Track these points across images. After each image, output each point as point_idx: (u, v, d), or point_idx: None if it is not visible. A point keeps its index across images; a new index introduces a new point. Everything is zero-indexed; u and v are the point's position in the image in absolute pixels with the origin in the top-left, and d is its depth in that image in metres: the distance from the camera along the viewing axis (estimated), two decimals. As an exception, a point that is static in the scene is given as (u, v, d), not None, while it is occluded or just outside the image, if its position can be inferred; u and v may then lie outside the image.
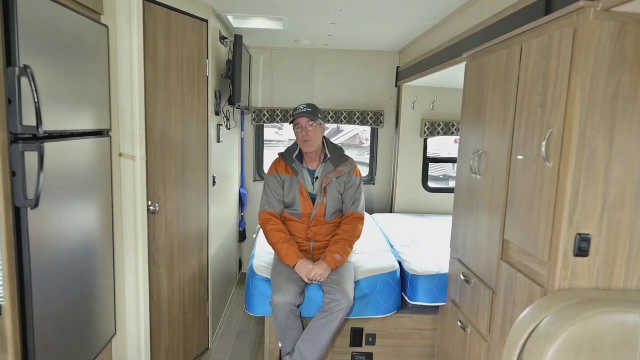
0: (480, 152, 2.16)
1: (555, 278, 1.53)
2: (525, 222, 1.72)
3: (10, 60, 1.42)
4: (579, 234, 1.50)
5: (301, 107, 2.81)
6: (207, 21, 2.97)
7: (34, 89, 1.43)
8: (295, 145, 2.92)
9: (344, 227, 2.85)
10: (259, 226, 3.07)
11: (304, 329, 2.66)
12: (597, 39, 1.43)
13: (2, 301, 1.47)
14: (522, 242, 1.75)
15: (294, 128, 2.82)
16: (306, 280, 2.68)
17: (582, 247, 1.49)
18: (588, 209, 1.49)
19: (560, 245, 1.51)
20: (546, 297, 1.51)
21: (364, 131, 8.68)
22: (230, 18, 3.40)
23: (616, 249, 1.51)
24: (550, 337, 1.32)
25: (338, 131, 9.04)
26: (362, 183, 2.96)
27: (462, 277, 2.35)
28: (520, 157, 1.77)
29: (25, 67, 1.42)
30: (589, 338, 1.31)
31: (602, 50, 1.43)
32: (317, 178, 2.87)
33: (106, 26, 2.07)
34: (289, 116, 2.90)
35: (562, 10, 1.53)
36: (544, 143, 1.57)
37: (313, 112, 2.77)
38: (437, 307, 2.85)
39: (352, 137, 9.97)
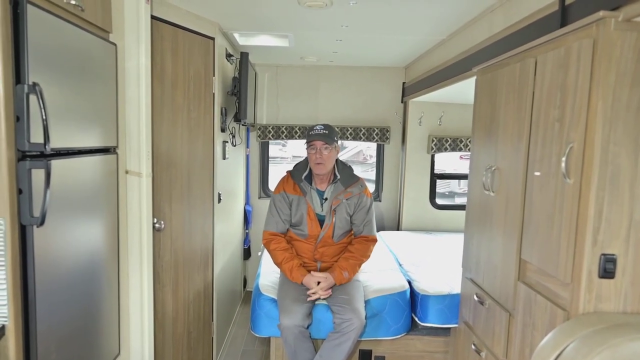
0: (493, 168, 2.11)
1: (579, 301, 1.46)
2: (545, 241, 1.65)
3: (19, 78, 1.42)
4: (604, 254, 1.43)
5: (317, 127, 2.71)
6: (213, 39, 2.98)
7: (42, 106, 1.43)
8: (305, 164, 2.83)
9: (356, 245, 2.79)
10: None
11: (315, 350, 2.59)
12: (618, 50, 1.38)
13: (5, 321, 1.44)
14: (541, 262, 1.68)
15: (307, 148, 2.73)
16: (314, 292, 2.60)
17: (608, 268, 1.42)
18: (613, 227, 1.42)
19: (583, 266, 1.44)
20: (570, 321, 1.44)
21: (368, 147, 8.65)
22: (236, 35, 3.41)
23: (645, 270, 1.44)
24: (577, 365, 1.24)
25: (342, 147, 9.04)
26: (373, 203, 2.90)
27: (475, 297, 2.27)
28: (537, 173, 1.72)
29: (34, 84, 1.42)
30: None
31: (624, 62, 1.38)
32: (326, 199, 2.79)
33: (114, 44, 2.08)
34: (305, 135, 2.81)
35: (580, 21, 1.49)
36: (563, 159, 1.51)
37: (329, 135, 2.68)
38: (449, 328, 2.76)
39: (355, 153, 9.97)
